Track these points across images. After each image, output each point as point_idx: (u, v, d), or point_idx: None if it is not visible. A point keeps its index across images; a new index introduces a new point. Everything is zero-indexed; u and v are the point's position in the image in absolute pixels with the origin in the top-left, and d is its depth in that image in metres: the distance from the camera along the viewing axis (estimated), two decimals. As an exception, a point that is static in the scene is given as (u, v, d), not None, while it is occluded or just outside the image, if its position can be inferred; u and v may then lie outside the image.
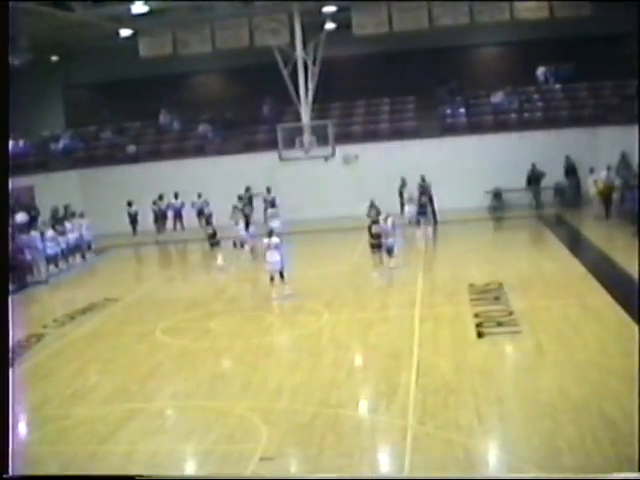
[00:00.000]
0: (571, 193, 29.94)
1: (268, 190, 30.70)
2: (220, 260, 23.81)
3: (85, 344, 16.14)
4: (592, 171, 27.47)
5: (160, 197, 31.56)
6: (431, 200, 28.60)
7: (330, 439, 9.94)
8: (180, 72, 35.08)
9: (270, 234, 19.14)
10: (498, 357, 13.17)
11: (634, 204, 22.63)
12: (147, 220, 31.71)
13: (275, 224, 25.17)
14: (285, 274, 18.85)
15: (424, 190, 28.38)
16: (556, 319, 14.78)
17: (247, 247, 24.32)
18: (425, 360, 12.92)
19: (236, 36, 30.01)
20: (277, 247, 18.75)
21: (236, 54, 31.85)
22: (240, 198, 29.86)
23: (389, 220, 21.23)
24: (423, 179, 28.98)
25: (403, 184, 29.65)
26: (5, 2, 5.82)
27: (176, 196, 31.50)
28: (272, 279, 18.98)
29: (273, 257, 18.68)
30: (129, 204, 31.56)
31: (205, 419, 11.19)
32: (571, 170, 29.83)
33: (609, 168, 26.90)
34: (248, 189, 30.87)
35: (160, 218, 31.71)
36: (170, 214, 31.79)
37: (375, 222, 21.58)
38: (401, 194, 29.43)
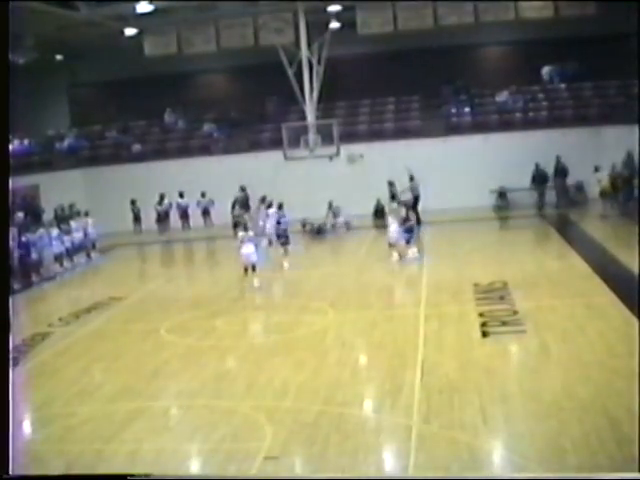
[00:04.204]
0: (560, 195, 29.91)
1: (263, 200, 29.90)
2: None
3: (90, 343, 16.16)
4: (597, 170, 27.49)
5: (162, 197, 31.62)
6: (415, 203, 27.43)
7: (335, 438, 9.94)
8: (185, 71, 35.12)
9: (245, 228, 20.55)
10: (503, 356, 13.17)
11: (636, 203, 22.67)
12: (152, 219, 31.79)
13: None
14: (257, 268, 19.85)
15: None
16: (561, 318, 14.75)
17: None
18: (430, 359, 12.91)
19: (241, 35, 30.08)
20: (251, 240, 19.84)
21: (241, 53, 31.90)
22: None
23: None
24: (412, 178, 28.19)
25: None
26: (5, 2, 5.82)
27: (181, 195, 31.52)
28: (246, 270, 19.79)
29: (247, 249, 19.59)
30: (132, 202, 31.74)
31: (210, 418, 11.20)
32: (560, 172, 29.71)
33: (614, 167, 26.99)
34: (243, 189, 30.99)
35: (163, 218, 31.78)
36: (177, 213, 31.84)
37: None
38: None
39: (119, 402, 12.15)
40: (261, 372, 13.06)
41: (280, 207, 23.86)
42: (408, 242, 22.28)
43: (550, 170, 29.84)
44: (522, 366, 12.78)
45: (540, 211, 29.35)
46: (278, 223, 23.37)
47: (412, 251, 22.13)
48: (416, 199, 27.78)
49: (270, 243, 24.82)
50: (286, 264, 22.27)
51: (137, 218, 32.10)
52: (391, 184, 28.35)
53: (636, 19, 22.18)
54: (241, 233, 20.30)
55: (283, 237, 23.09)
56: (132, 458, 9.87)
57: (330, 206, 28.91)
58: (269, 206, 25.99)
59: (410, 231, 22.43)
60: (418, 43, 31.87)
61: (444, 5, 28.90)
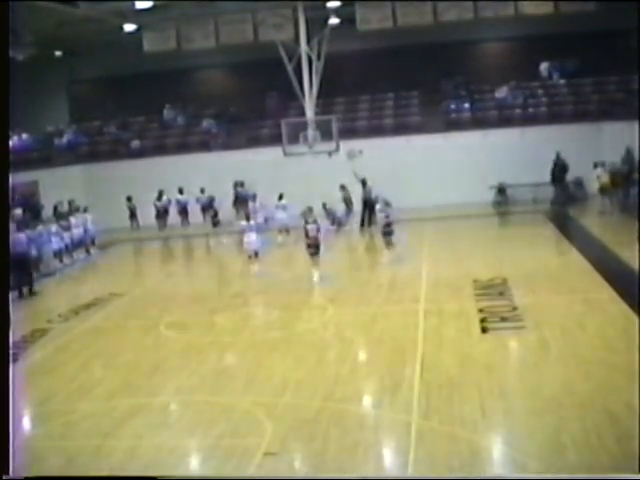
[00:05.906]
0: (559, 191, 29.70)
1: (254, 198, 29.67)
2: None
3: (89, 339, 16.17)
4: (596, 166, 27.45)
5: (161, 193, 31.61)
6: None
7: (334, 434, 9.94)
8: (184, 67, 35.09)
9: (247, 218, 22.50)
10: (502, 352, 13.17)
11: (636, 199, 22.67)
12: (151, 215, 31.77)
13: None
14: (260, 254, 22.01)
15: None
16: (560, 314, 14.75)
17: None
18: (429, 355, 12.92)
19: (240, 31, 29.99)
20: (252, 229, 21.93)
21: (240, 49, 31.84)
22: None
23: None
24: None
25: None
26: (5, 1, 5.81)
27: (180, 191, 31.51)
28: (250, 257, 21.98)
29: (250, 238, 21.74)
30: (128, 199, 31.81)
31: (209, 414, 11.19)
32: (560, 168, 29.51)
33: (604, 164, 26.98)
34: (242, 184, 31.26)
35: (162, 214, 31.77)
36: (176, 209, 31.83)
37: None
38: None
39: (118, 398, 12.14)
40: (260, 368, 13.07)
41: (309, 212, 20.04)
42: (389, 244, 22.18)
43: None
44: (522, 362, 12.79)
45: (562, 207, 28.74)
46: (306, 231, 19.58)
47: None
48: (365, 203, 27.73)
49: (282, 232, 25.96)
50: (316, 277, 19.68)
51: (133, 215, 32.11)
52: (343, 187, 28.75)
53: (635, 15, 22.21)
54: (243, 223, 22.29)
55: (313, 247, 19.56)
56: (131, 454, 9.87)
57: (324, 206, 28.60)
58: (280, 198, 27.05)
59: (389, 234, 22.09)
60: (417, 39, 31.85)
61: (443, 1, 28.83)
